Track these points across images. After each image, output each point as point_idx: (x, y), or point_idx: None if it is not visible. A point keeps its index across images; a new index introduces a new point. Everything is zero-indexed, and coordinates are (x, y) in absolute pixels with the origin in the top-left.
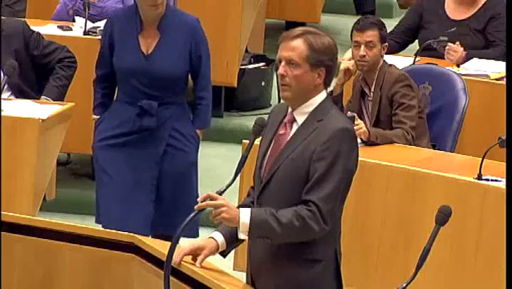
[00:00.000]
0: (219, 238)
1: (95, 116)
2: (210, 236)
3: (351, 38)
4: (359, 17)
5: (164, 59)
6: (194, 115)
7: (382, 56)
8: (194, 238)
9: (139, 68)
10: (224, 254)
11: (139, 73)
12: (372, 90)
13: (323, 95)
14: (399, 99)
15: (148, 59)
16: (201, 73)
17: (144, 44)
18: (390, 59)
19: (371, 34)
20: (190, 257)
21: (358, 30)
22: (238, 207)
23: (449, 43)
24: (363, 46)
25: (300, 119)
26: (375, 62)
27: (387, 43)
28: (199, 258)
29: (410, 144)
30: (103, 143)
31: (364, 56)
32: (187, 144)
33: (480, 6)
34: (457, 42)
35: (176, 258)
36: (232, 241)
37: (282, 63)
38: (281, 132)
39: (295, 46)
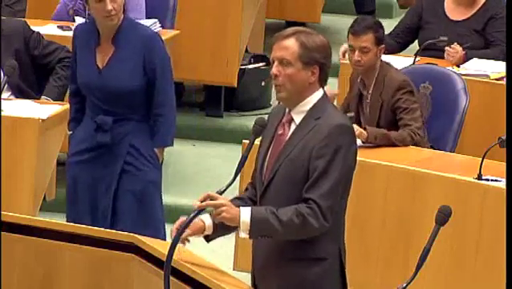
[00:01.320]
0: (207, 220)
1: (68, 132)
2: (199, 217)
3: (348, 39)
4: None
5: (117, 73)
6: (153, 132)
7: (379, 57)
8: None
9: (93, 83)
10: (208, 238)
11: (94, 88)
12: (370, 92)
13: (319, 94)
14: (401, 104)
15: (102, 74)
16: (157, 88)
17: (100, 58)
18: (390, 59)
19: (366, 40)
20: (187, 255)
21: (352, 34)
22: (236, 199)
23: (447, 47)
24: (357, 52)
25: (298, 118)
26: (371, 65)
27: (384, 45)
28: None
29: (417, 145)
30: (71, 159)
31: (359, 61)
32: (145, 163)
33: (479, 6)
34: (455, 43)
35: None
36: (220, 228)
37: (275, 63)
38: (279, 132)
39: (287, 46)
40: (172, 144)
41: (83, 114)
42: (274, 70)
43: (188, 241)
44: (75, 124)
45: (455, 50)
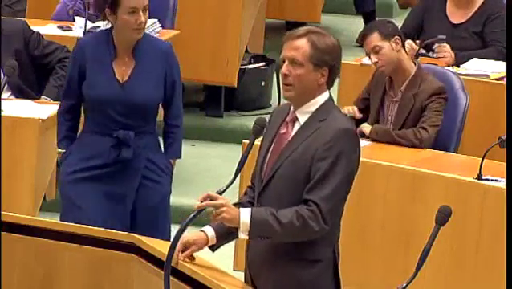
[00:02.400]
0: (210, 232)
1: (59, 150)
2: (201, 229)
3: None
4: (359, 17)
5: (140, 87)
6: (167, 144)
7: (398, 50)
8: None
9: (114, 97)
10: (213, 248)
11: (114, 102)
12: (402, 91)
13: (325, 95)
14: (430, 106)
15: (124, 87)
16: (175, 101)
17: (119, 72)
18: None
19: (371, 40)
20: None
21: (361, 41)
22: (236, 205)
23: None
24: (371, 54)
25: (302, 118)
26: (392, 61)
27: (397, 36)
28: (185, 253)
29: (415, 146)
30: (74, 176)
31: (377, 62)
32: (162, 176)
33: (476, 8)
34: (445, 44)
35: (175, 258)
36: (223, 236)
37: (286, 63)
38: (282, 131)
39: (299, 46)
40: (181, 157)
41: (75, 132)
42: (285, 69)
43: (194, 258)
44: (69, 141)
45: (444, 50)
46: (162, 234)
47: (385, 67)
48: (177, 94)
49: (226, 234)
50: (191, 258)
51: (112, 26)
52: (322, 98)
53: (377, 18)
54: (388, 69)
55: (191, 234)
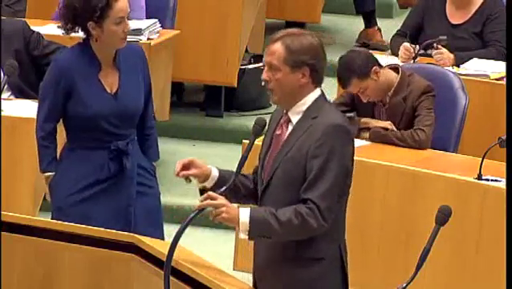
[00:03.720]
0: (215, 172)
1: (49, 174)
2: (210, 166)
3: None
4: (359, 17)
5: (130, 94)
6: (147, 147)
7: (381, 78)
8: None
9: (108, 109)
10: (203, 192)
11: (108, 114)
12: (388, 97)
13: (316, 94)
14: (422, 106)
15: (117, 98)
16: (150, 102)
17: (107, 83)
18: (391, 59)
19: (353, 88)
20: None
21: (343, 88)
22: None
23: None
24: (357, 92)
25: (295, 118)
26: (381, 89)
27: (375, 67)
28: (184, 172)
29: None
30: (74, 198)
31: (368, 97)
32: (152, 179)
33: (476, 8)
34: (442, 49)
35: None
36: (221, 185)
37: (266, 68)
38: (278, 132)
39: (274, 50)
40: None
41: (56, 153)
42: (264, 75)
43: (190, 180)
44: (55, 163)
45: (442, 56)
46: (162, 233)
47: (377, 98)
48: (150, 94)
49: (223, 184)
50: (187, 179)
51: (88, 39)
52: (312, 96)
53: (377, 18)
54: (380, 95)
55: (199, 161)
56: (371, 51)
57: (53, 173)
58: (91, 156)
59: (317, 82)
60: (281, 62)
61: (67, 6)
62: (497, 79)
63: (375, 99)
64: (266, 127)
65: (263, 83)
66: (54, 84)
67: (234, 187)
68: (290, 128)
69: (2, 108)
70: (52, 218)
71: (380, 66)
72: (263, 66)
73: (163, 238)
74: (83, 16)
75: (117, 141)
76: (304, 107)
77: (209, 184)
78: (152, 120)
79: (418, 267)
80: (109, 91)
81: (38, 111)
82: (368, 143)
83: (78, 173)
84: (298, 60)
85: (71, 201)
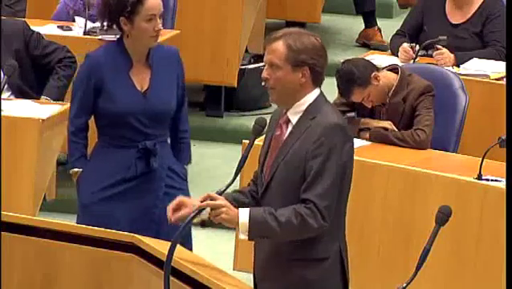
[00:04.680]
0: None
1: (77, 170)
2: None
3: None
4: (359, 17)
5: (161, 94)
6: (178, 150)
7: (379, 81)
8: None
9: (137, 107)
10: (204, 224)
11: (137, 112)
12: (389, 96)
13: (315, 94)
14: (422, 106)
15: (147, 97)
16: (184, 105)
17: (138, 81)
18: (391, 59)
19: (357, 97)
20: (187, 255)
21: (342, 96)
22: (236, 191)
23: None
24: (361, 100)
25: (294, 118)
26: (383, 92)
27: (374, 72)
28: (176, 215)
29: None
30: (99, 196)
31: (372, 102)
32: (181, 182)
33: (475, 8)
34: (442, 49)
35: (168, 215)
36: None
37: (266, 67)
38: (277, 133)
39: (275, 49)
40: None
41: (87, 149)
42: (265, 73)
43: (204, 223)
44: (85, 159)
45: (441, 52)
46: (187, 240)
47: (381, 100)
48: (186, 99)
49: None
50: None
51: (122, 36)
52: (311, 97)
53: (377, 18)
54: (383, 98)
55: (188, 198)
56: (371, 51)
57: (80, 170)
58: (118, 155)
59: (317, 82)
60: (282, 60)
61: (103, 3)
62: (497, 79)
63: (378, 102)
64: (266, 127)
65: (263, 82)
66: (84, 79)
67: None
68: (290, 128)
69: (2, 108)
70: (78, 216)
71: (378, 69)
72: (263, 66)
73: (190, 242)
74: (116, 11)
75: (145, 141)
76: (303, 107)
77: (205, 215)
78: (186, 125)
79: (418, 267)
80: (139, 88)
81: (70, 107)
82: (368, 143)
83: (104, 171)
84: (299, 59)
85: (94, 199)
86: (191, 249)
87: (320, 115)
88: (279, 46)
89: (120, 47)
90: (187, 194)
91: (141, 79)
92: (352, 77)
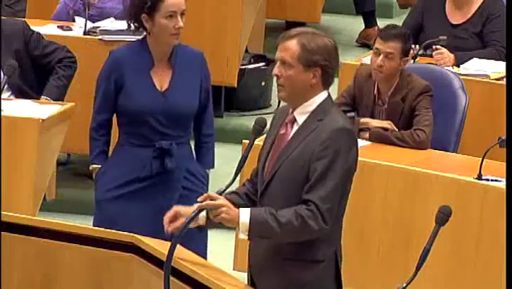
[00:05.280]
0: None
1: (95, 166)
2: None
3: (374, 43)
4: (359, 17)
5: (181, 95)
6: (201, 154)
7: (400, 69)
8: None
9: (155, 106)
10: (202, 228)
11: (155, 111)
12: (387, 99)
13: (323, 95)
14: (420, 106)
15: (166, 97)
16: (209, 109)
17: (158, 80)
18: None
19: (393, 46)
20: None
21: (381, 38)
22: (232, 194)
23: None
24: (382, 56)
25: (300, 119)
26: (391, 73)
27: (407, 58)
28: (173, 225)
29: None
30: (114, 193)
31: (381, 66)
32: (200, 185)
33: (475, 8)
34: (442, 49)
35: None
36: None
37: (277, 64)
38: (282, 131)
39: (289, 47)
40: (214, 166)
41: (108, 147)
42: (276, 70)
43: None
44: (104, 156)
45: (441, 52)
46: (199, 246)
47: (382, 75)
48: (210, 101)
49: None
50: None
51: (146, 35)
52: (319, 98)
53: (377, 18)
54: (381, 77)
55: (185, 207)
56: (371, 51)
57: (99, 166)
58: (136, 153)
59: (327, 84)
60: (295, 59)
61: (130, 1)
62: (497, 79)
63: (380, 74)
64: (268, 126)
65: (274, 78)
66: (106, 76)
67: None
68: (296, 127)
69: (2, 108)
70: (94, 213)
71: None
72: (263, 66)
73: (205, 245)
74: (138, 7)
75: (162, 140)
76: (311, 108)
77: (202, 220)
78: (211, 128)
79: (418, 267)
80: (159, 88)
81: (94, 104)
82: (368, 143)
83: (121, 170)
84: (311, 60)
85: (108, 196)
86: (206, 251)
87: (328, 117)
88: (293, 44)
89: (143, 46)
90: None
91: (162, 79)
92: (406, 38)
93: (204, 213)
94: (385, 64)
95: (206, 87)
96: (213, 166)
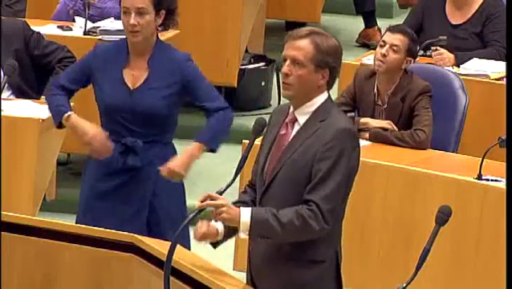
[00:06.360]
0: (220, 226)
1: (66, 115)
2: (211, 224)
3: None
4: (359, 17)
5: (149, 96)
6: (201, 129)
7: (401, 69)
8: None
9: (121, 103)
10: (216, 245)
11: (122, 108)
12: (388, 96)
13: (324, 96)
14: (419, 106)
15: (133, 95)
16: (205, 94)
17: (130, 79)
18: None
19: (400, 39)
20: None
21: (390, 31)
22: (237, 204)
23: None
24: (387, 47)
25: (302, 119)
26: (391, 68)
27: (411, 59)
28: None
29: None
30: (85, 191)
31: (385, 56)
32: (173, 185)
33: (475, 8)
34: (441, 50)
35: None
36: (230, 233)
37: (287, 62)
38: (282, 132)
39: (302, 46)
40: (215, 150)
41: (69, 104)
42: (286, 69)
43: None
44: (68, 105)
45: (441, 53)
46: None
47: (383, 67)
48: (205, 89)
49: (232, 231)
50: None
51: None
52: (321, 98)
53: (377, 18)
54: (382, 69)
55: (203, 224)
56: (371, 51)
57: (70, 113)
58: (113, 149)
59: (330, 85)
60: (307, 59)
61: None
62: (497, 79)
63: (381, 66)
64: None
65: (281, 77)
66: (86, 59)
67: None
68: (297, 128)
69: (2, 108)
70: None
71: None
72: (263, 66)
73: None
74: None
75: (131, 137)
76: (312, 109)
77: (220, 236)
78: (215, 104)
79: (418, 267)
80: (130, 86)
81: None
82: (368, 143)
83: (95, 165)
84: (323, 61)
85: (83, 194)
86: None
87: (330, 118)
88: (306, 44)
89: (125, 44)
90: (180, 199)
91: (135, 78)
92: (414, 37)
93: (222, 227)
94: (389, 55)
95: (194, 86)
96: (204, 142)
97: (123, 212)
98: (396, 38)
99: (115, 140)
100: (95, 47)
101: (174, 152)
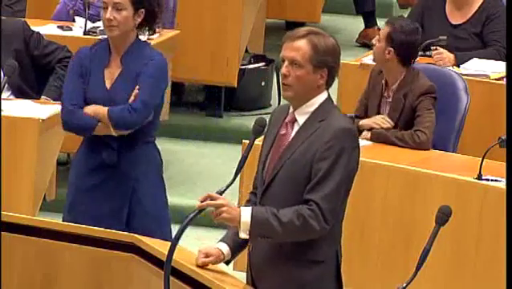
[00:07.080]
0: (224, 248)
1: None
2: (216, 246)
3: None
4: (359, 17)
5: (121, 92)
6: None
7: (387, 59)
8: None
9: (100, 101)
10: (228, 263)
11: (102, 106)
12: (393, 91)
13: (324, 96)
14: (422, 106)
15: (108, 93)
16: (142, 87)
17: (108, 77)
18: None
19: (383, 29)
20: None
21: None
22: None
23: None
24: (376, 37)
25: (301, 119)
26: (377, 58)
27: (392, 49)
28: (203, 260)
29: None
30: (76, 185)
31: (374, 45)
32: (154, 184)
33: (475, 8)
34: (440, 49)
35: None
36: (236, 249)
37: (286, 63)
38: (282, 132)
39: (299, 47)
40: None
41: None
42: (284, 70)
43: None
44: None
45: (440, 53)
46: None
47: (374, 59)
48: (141, 87)
49: (238, 247)
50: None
51: None
52: (320, 98)
53: (377, 18)
54: (375, 62)
55: (207, 247)
56: (371, 51)
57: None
58: (90, 146)
59: (329, 85)
60: (305, 59)
61: None
62: (497, 79)
63: (375, 62)
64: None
65: (281, 78)
66: (76, 66)
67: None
68: (296, 128)
69: (2, 108)
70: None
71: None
72: (263, 66)
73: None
74: None
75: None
76: (312, 108)
77: (227, 257)
78: (134, 102)
79: (418, 267)
80: (107, 84)
81: (64, 91)
82: (369, 143)
83: (78, 162)
84: (321, 61)
85: (72, 185)
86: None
87: (330, 118)
88: (303, 44)
89: (108, 43)
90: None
91: (111, 76)
92: (403, 28)
93: (227, 248)
94: (376, 45)
95: (140, 80)
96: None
97: (104, 209)
98: (382, 29)
99: (97, 136)
100: (77, 53)
101: (156, 151)
